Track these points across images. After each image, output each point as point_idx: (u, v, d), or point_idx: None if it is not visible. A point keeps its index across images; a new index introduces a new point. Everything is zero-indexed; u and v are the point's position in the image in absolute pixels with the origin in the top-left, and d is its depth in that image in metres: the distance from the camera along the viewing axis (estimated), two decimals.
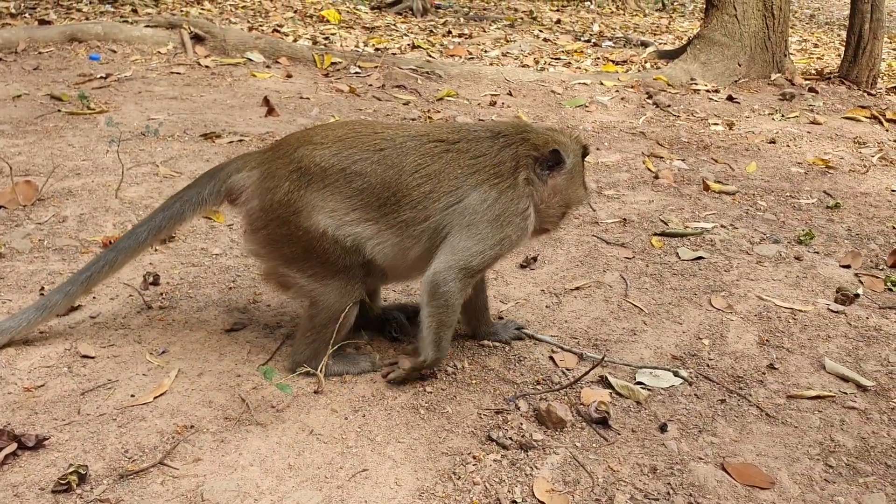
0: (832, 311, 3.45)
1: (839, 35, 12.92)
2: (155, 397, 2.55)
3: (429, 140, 2.63)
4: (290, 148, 2.63)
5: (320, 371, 2.62)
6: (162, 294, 3.21)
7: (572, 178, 2.74)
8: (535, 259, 3.74)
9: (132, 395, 2.56)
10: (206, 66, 7.30)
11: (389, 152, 2.59)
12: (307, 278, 2.61)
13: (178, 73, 7.01)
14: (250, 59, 7.62)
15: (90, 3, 10.21)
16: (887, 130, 6.66)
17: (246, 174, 2.64)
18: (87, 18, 8.99)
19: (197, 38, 7.81)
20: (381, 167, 2.57)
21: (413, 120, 6.10)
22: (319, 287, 2.61)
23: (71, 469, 2.15)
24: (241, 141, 5.19)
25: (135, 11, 9.68)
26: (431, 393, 2.66)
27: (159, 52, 7.59)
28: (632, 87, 7.50)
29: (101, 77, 6.57)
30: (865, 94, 7.87)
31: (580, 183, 2.80)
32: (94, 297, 3.14)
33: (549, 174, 2.68)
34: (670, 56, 8.88)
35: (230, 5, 11.44)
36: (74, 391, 2.56)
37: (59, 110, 5.58)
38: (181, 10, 10.23)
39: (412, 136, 2.64)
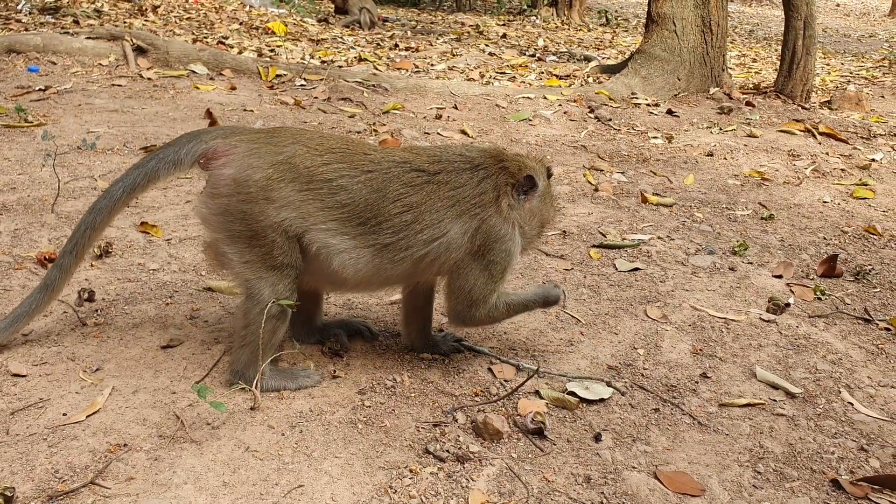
0: (764, 320, 3.55)
1: (776, 50, 13.29)
2: (88, 416, 2.51)
3: (411, 168, 2.72)
4: (284, 140, 2.69)
5: (256, 383, 2.61)
6: (97, 310, 3.16)
7: (544, 199, 2.92)
8: None
9: (64, 414, 2.51)
10: (149, 79, 7.22)
11: (376, 176, 2.68)
12: (243, 264, 2.64)
13: (119, 85, 6.92)
14: (194, 72, 7.55)
15: (30, 13, 10.01)
16: (820, 143, 6.87)
17: (231, 141, 2.67)
18: (26, 29, 8.81)
19: (139, 51, 7.71)
20: (366, 189, 2.65)
21: (358, 133, 6.10)
22: (253, 277, 2.64)
23: None
24: None
25: (76, 23, 9.52)
26: (370, 407, 2.67)
27: (100, 64, 7.48)
28: (574, 101, 7.62)
29: (40, 89, 6.45)
30: (800, 108, 8.10)
31: (551, 202, 2.99)
32: None
33: (524, 198, 2.83)
34: (612, 70, 9.04)
35: (174, 17, 11.33)
36: (3, 411, 2.51)
37: None
38: (124, 22, 10.09)
39: (396, 161, 2.73)
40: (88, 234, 2.76)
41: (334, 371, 2.86)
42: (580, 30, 15.09)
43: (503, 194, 2.78)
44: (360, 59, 9.44)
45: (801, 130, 7.18)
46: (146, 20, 10.58)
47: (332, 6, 13.84)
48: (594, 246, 4.21)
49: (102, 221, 2.77)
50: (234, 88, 7.19)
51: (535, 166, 2.89)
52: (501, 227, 2.76)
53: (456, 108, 7.18)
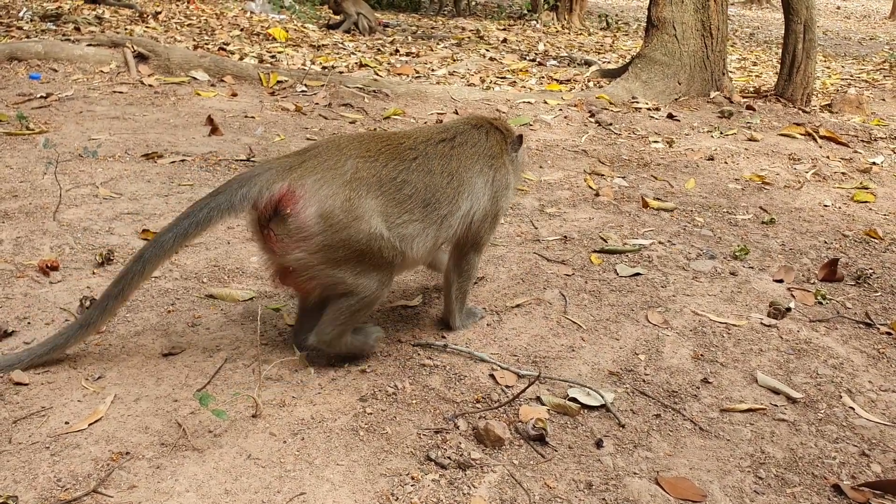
0: (765, 325, 3.55)
1: (777, 53, 13.30)
2: (90, 424, 2.52)
3: (437, 142, 3.01)
4: (338, 159, 2.75)
5: (257, 392, 2.62)
6: None
7: (522, 156, 3.36)
8: (480, 278, 3.78)
9: (66, 423, 2.52)
10: (150, 86, 7.23)
11: (420, 160, 2.91)
12: (354, 275, 2.77)
13: (120, 92, 6.94)
14: (195, 78, 7.57)
15: (31, 21, 10.04)
16: (820, 147, 6.87)
17: (294, 180, 2.66)
18: (27, 37, 8.84)
19: (140, 57, 7.73)
20: (419, 173, 2.88)
21: None
22: (364, 280, 2.80)
23: (0, 500, 2.12)
24: (183, 161, 5.15)
25: (77, 30, 9.55)
26: (371, 414, 2.68)
27: (102, 71, 7.50)
28: (575, 105, 7.63)
29: (42, 96, 6.47)
30: (800, 112, 8.11)
31: (524, 160, 3.44)
32: (28, 323, 3.10)
33: (515, 154, 3.26)
34: (613, 75, 9.05)
35: (175, 23, 11.36)
36: (6, 419, 2.52)
37: None
38: (125, 29, 10.12)
39: (424, 140, 2.99)
40: (135, 282, 2.73)
41: (334, 377, 2.87)
42: (581, 34, 15.11)
43: (503, 150, 3.19)
44: (361, 65, 9.46)
45: (801, 134, 7.19)
46: (147, 27, 10.61)
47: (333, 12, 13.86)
48: (595, 251, 4.21)
49: (149, 271, 2.73)
50: (235, 95, 7.21)
51: (515, 129, 3.35)
52: (507, 176, 3.18)
53: (457, 112, 7.19)
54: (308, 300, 2.97)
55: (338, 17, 12.92)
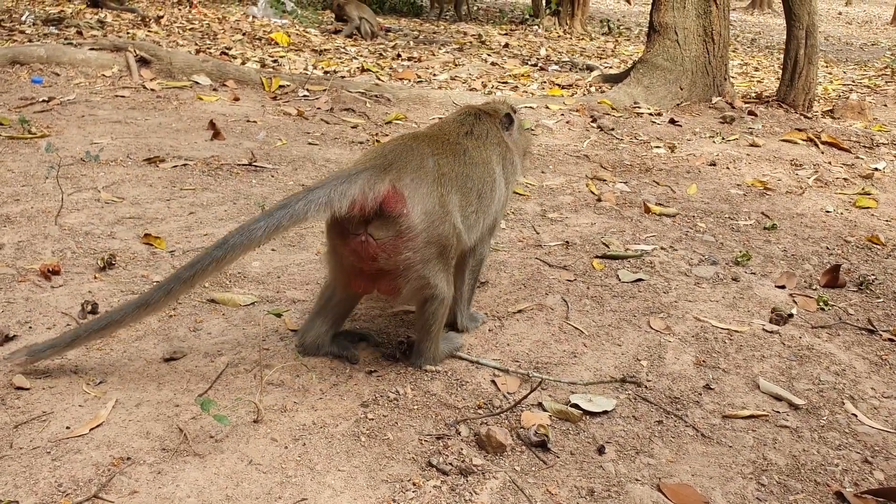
0: (767, 331, 3.55)
1: (778, 58, 13.30)
2: (91, 429, 2.51)
3: (465, 134, 3.12)
4: (419, 157, 2.77)
5: (258, 396, 2.61)
6: None
7: (521, 131, 3.46)
8: (483, 283, 3.77)
9: (67, 427, 2.52)
10: (152, 90, 7.24)
11: (467, 153, 3.01)
12: (437, 272, 2.80)
13: (122, 96, 6.95)
14: (197, 82, 7.58)
15: (34, 25, 10.07)
16: (822, 153, 6.87)
17: (401, 182, 2.66)
18: (30, 41, 8.86)
19: (143, 61, 7.74)
20: (470, 167, 2.97)
21: (360, 144, 6.12)
22: (443, 277, 2.84)
23: None
24: (185, 165, 5.16)
25: (80, 34, 9.57)
26: (373, 420, 2.67)
27: (104, 75, 7.51)
28: (577, 110, 7.63)
29: (44, 100, 6.48)
30: (802, 117, 8.11)
31: (527, 133, 3.56)
32: (29, 327, 3.09)
33: (509, 132, 3.34)
34: (615, 80, 9.06)
35: (178, 28, 11.38)
36: (7, 424, 2.51)
37: None
38: (127, 33, 10.14)
39: (462, 134, 3.11)
40: (211, 268, 2.60)
41: (335, 382, 2.87)
42: (582, 39, 15.13)
43: (500, 131, 3.28)
44: (363, 70, 9.47)
45: (803, 140, 7.19)
46: (149, 31, 10.63)
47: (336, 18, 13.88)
48: (597, 257, 4.21)
49: (230, 258, 2.61)
50: (237, 99, 7.21)
51: (505, 108, 3.40)
52: (513, 156, 3.31)
53: None
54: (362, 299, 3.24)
55: (341, 25, 12.93)
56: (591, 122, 7.35)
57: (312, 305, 3.11)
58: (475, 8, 20.41)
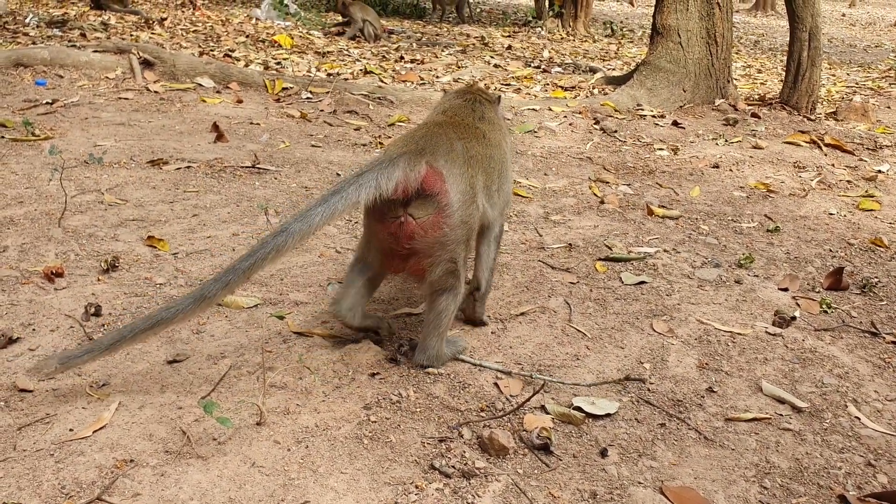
0: (770, 333, 3.55)
1: (782, 60, 13.29)
2: (94, 431, 2.52)
3: (479, 119, 3.27)
4: (448, 140, 2.92)
5: (261, 399, 2.62)
6: (104, 325, 3.17)
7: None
8: None
9: (71, 430, 2.52)
10: (155, 92, 7.26)
11: (488, 136, 3.17)
12: (460, 258, 2.91)
13: (126, 98, 6.96)
14: (200, 85, 7.59)
15: (38, 27, 10.09)
16: (826, 155, 6.87)
17: (438, 163, 2.78)
18: (34, 43, 8.88)
19: (146, 64, 7.76)
20: (491, 148, 3.13)
21: (364, 146, 6.13)
22: (462, 270, 2.94)
23: None
24: (188, 167, 5.16)
25: (83, 36, 9.59)
26: (376, 422, 2.67)
27: (107, 77, 7.53)
28: (580, 112, 7.63)
29: (47, 103, 6.50)
30: (805, 120, 8.10)
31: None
32: (33, 329, 3.10)
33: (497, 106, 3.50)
34: (618, 82, 9.05)
35: (181, 30, 11.40)
36: (11, 426, 2.52)
37: (3, 137, 5.50)
38: (131, 35, 10.16)
39: (476, 119, 3.25)
40: (271, 256, 2.61)
41: (338, 385, 2.87)
42: (585, 41, 15.12)
43: (498, 113, 3.45)
44: (366, 72, 9.48)
45: (806, 142, 7.18)
46: (153, 33, 10.65)
47: (339, 19, 13.89)
48: (600, 259, 4.21)
49: (291, 245, 2.63)
50: (240, 101, 7.22)
51: (489, 93, 3.59)
52: (509, 135, 3.49)
53: None
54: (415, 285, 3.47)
55: (345, 28, 12.92)
56: (594, 124, 7.35)
57: (344, 279, 3.16)
58: (478, 10, 20.41)
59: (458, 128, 3.08)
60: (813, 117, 8.24)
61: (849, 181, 6.14)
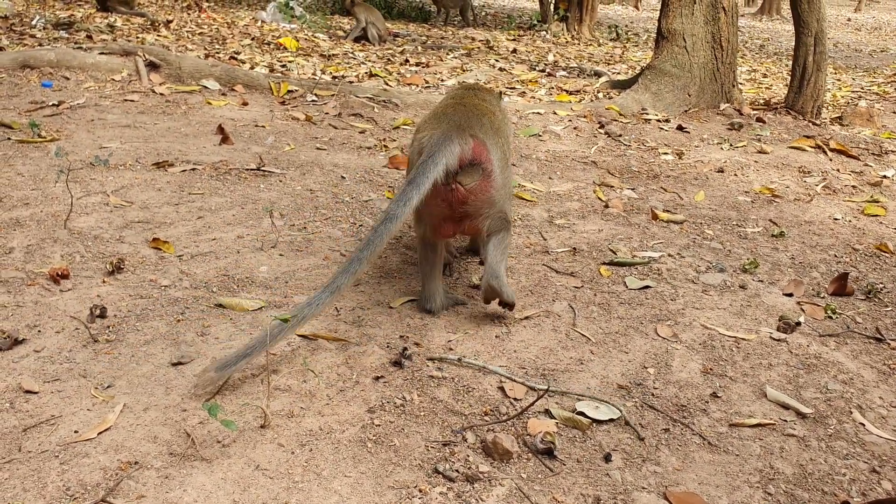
0: (774, 339, 3.54)
1: (787, 65, 13.28)
2: (99, 433, 2.52)
3: (483, 102, 3.64)
4: (478, 118, 3.35)
5: (266, 402, 2.63)
6: (109, 327, 3.18)
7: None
8: None
9: (76, 431, 2.53)
10: (161, 94, 7.27)
11: (497, 116, 3.62)
12: (509, 208, 3.47)
13: (131, 100, 6.98)
14: (206, 87, 7.61)
15: (44, 29, 10.12)
16: (831, 160, 6.86)
17: (479, 137, 3.21)
18: (40, 44, 8.91)
19: (152, 66, 7.77)
20: (501, 125, 3.59)
21: (369, 149, 6.13)
22: (510, 215, 3.49)
23: None
24: (193, 170, 5.17)
25: (90, 38, 9.62)
26: (380, 426, 2.68)
27: (113, 79, 7.54)
28: (584, 116, 7.63)
29: (53, 104, 6.51)
30: (810, 124, 8.09)
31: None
32: (38, 331, 3.11)
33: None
34: (622, 86, 9.05)
35: (187, 32, 11.42)
36: (16, 428, 2.53)
37: (9, 138, 5.51)
38: (137, 37, 10.18)
39: (481, 101, 3.64)
40: (383, 242, 2.95)
41: (342, 388, 2.87)
42: (590, 45, 15.13)
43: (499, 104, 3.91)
44: (371, 75, 9.49)
45: (811, 147, 7.18)
46: (159, 35, 10.67)
47: (344, 21, 13.90)
48: (604, 263, 4.21)
49: (395, 228, 2.96)
50: (245, 104, 7.24)
51: (490, 90, 4.05)
52: (510, 124, 3.92)
53: None
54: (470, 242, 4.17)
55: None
56: (599, 128, 7.35)
57: (422, 271, 3.54)
58: (483, 14, 20.43)
59: (473, 108, 3.46)
60: (818, 122, 8.24)
61: (854, 186, 6.13)
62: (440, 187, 3.09)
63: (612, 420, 2.82)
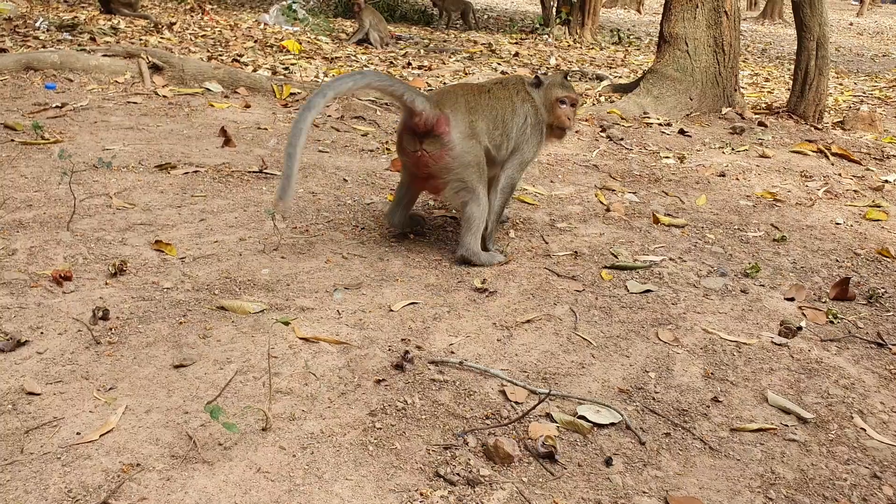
0: (776, 343, 3.54)
1: (789, 69, 13.29)
2: (101, 435, 2.53)
3: (501, 88, 4.22)
4: (455, 97, 4.00)
5: (268, 406, 2.64)
6: (111, 329, 3.19)
7: (548, 90, 4.30)
8: (492, 292, 3.79)
9: (78, 433, 2.53)
10: (164, 96, 7.29)
11: (495, 92, 4.15)
12: (472, 180, 3.98)
13: (134, 102, 6.99)
14: (209, 89, 7.62)
15: (48, 31, 10.14)
16: (832, 164, 6.86)
17: (443, 112, 3.87)
18: (44, 46, 8.93)
19: (155, 68, 7.79)
20: (494, 100, 4.12)
21: (371, 151, 6.14)
22: (477, 187, 4.00)
23: None
24: (196, 172, 5.18)
25: (93, 40, 9.64)
26: (381, 429, 2.68)
27: (116, 81, 7.56)
28: (586, 120, 7.64)
29: (57, 106, 6.52)
30: (812, 129, 8.10)
31: (554, 92, 4.32)
32: (41, 332, 3.11)
33: (535, 89, 4.29)
34: (624, 90, 9.06)
35: (190, 35, 11.45)
36: (18, 429, 2.53)
37: (13, 140, 5.52)
38: (140, 40, 10.21)
39: (497, 87, 4.21)
40: (302, 129, 3.73)
41: (343, 391, 2.88)
42: (592, 48, 15.14)
43: (527, 91, 4.29)
44: None
45: (813, 151, 7.18)
46: (162, 38, 10.69)
47: (347, 24, 13.93)
48: (606, 267, 4.21)
49: (311, 116, 3.73)
50: (248, 106, 7.25)
51: (540, 76, 4.42)
52: (531, 109, 4.26)
53: None
54: (411, 196, 4.39)
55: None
56: (601, 131, 7.36)
57: (393, 198, 4.40)
58: (485, 17, 20.45)
59: (464, 87, 4.17)
60: (820, 126, 8.24)
61: (856, 191, 6.13)
62: (410, 152, 3.91)
63: (613, 424, 2.82)
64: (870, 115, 8.61)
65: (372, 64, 10.62)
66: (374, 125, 7.03)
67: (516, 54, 13.04)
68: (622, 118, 7.84)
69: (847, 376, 3.32)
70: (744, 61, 14.30)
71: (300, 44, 11.48)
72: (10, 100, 6.65)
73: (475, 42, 14.52)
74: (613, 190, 5.66)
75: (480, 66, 11.34)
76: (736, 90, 8.62)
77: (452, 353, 3.22)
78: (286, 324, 3.32)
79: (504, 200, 4.29)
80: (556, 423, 2.79)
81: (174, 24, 12.19)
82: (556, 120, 4.30)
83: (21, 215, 4.22)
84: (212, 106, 7.14)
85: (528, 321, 3.55)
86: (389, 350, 3.20)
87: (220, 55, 9.79)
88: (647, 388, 3.09)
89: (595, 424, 2.81)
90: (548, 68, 11.52)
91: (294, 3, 14.43)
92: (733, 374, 3.26)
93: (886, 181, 6.41)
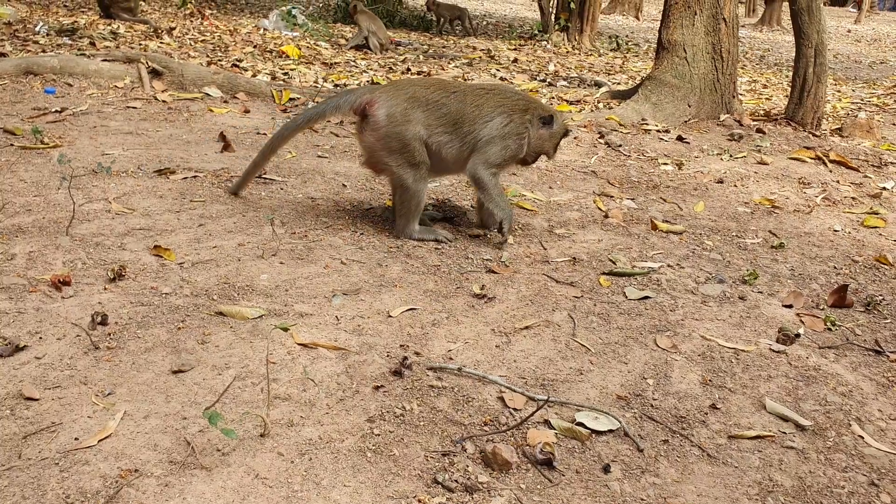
0: (774, 350, 3.55)
1: (787, 76, 13.32)
2: (99, 440, 2.53)
3: (478, 88, 4.44)
4: (403, 88, 4.30)
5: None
6: (110, 334, 3.19)
7: (550, 138, 4.51)
8: (490, 298, 3.79)
9: (76, 439, 2.53)
10: (163, 101, 7.30)
11: (458, 94, 4.32)
12: (398, 167, 4.27)
13: (134, 107, 7.00)
14: (208, 94, 7.63)
15: (47, 35, 10.15)
16: (831, 171, 6.88)
17: (376, 94, 4.24)
18: (43, 51, 8.94)
19: (154, 73, 7.80)
20: (455, 102, 4.29)
21: None
22: (405, 173, 4.27)
23: None
24: (195, 177, 5.19)
25: (93, 45, 9.65)
26: (379, 435, 2.68)
27: (116, 86, 7.57)
28: (584, 126, 7.65)
29: (56, 111, 6.53)
30: (811, 136, 8.11)
31: (553, 145, 4.57)
32: (40, 337, 3.11)
33: (541, 127, 4.43)
34: (623, 96, 9.08)
35: (189, 40, 11.46)
36: (16, 435, 2.53)
37: (12, 145, 5.53)
38: (140, 44, 10.22)
39: (469, 87, 4.43)
40: (277, 145, 4.68)
41: (342, 397, 2.88)
42: (591, 55, 15.17)
43: (529, 114, 4.41)
44: (373, 83, 9.51)
45: (811, 158, 7.20)
46: (161, 43, 10.71)
47: (346, 30, 13.95)
48: (604, 273, 4.22)
49: (287, 139, 4.71)
50: (247, 111, 7.26)
51: (557, 115, 4.56)
52: (517, 126, 4.38)
53: None
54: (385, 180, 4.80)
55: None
56: (599, 138, 7.37)
57: (391, 203, 4.83)
58: (484, 23, 20.49)
59: (428, 81, 4.50)
60: (818, 133, 8.26)
61: (853, 198, 6.15)
62: (357, 128, 4.34)
63: (611, 431, 2.83)
64: (868, 122, 8.64)
65: (371, 70, 10.64)
66: None
67: (515, 60, 13.06)
68: (620, 124, 7.86)
69: (845, 384, 3.32)
70: (742, 68, 14.33)
71: (299, 49, 11.50)
72: (10, 104, 6.66)
73: (474, 48, 14.55)
74: (612, 196, 5.67)
75: (479, 71, 11.36)
76: (734, 97, 8.64)
77: (451, 359, 3.23)
78: (285, 329, 3.34)
79: (493, 196, 4.38)
80: (555, 429, 2.80)
81: (174, 29, 12.21)
82: (540, 151, 4.55)
83: (20, 220, 4.22)
84: (211, 111, 7.15)
85: (526, 327, 3.56)
86: (388, 356, 3.20)
87: (219, 60, 9.80)
88: (645, 395, 3.09)
89: (593, 431, 2.81)
90: (547, 75, 11.55)
91: (294, 8, 14.46)
92: (731, 381, 3.26)
93: (884, 188, 6.42)
